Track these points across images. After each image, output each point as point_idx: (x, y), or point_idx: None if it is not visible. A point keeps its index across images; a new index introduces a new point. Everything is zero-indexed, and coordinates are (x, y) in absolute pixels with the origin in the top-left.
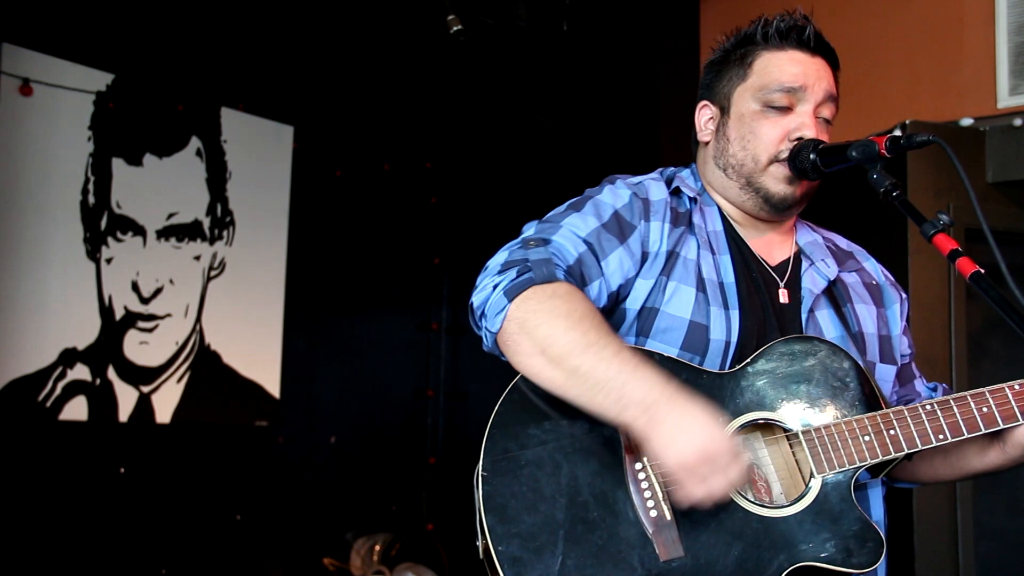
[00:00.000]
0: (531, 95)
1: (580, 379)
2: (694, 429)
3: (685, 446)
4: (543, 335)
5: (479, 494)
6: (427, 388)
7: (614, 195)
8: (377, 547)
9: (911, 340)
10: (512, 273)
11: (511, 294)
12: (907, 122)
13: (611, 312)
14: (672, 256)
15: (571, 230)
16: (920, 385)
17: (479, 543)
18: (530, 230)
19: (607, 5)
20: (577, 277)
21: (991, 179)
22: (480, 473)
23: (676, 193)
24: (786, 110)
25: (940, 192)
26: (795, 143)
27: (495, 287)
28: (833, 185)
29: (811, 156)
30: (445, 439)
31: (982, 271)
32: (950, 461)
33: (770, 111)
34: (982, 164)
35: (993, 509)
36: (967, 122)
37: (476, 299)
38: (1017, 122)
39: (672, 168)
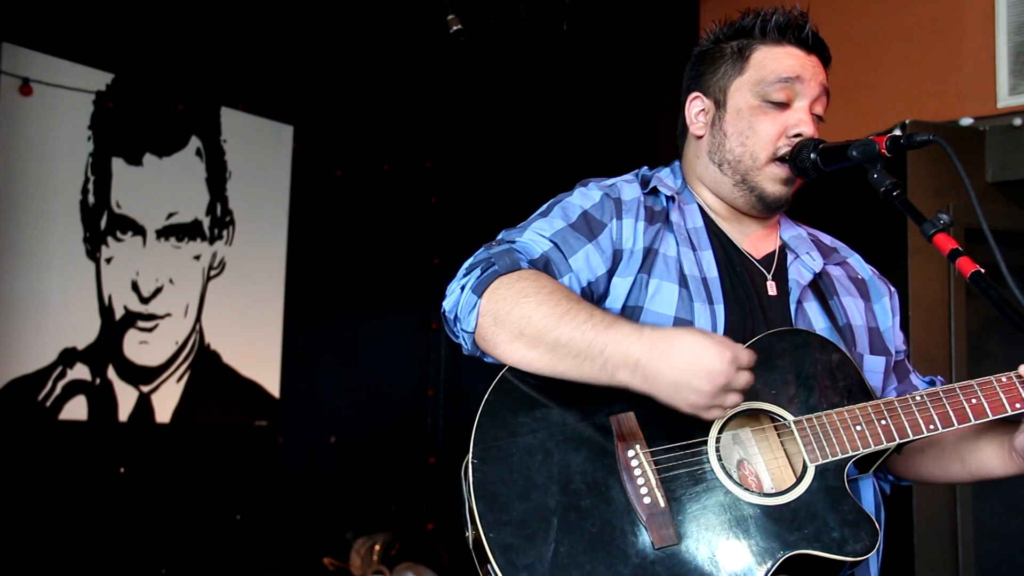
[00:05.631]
0: (531, 95)
1: (563, 352)
2: (690, 365)
3: (694, 385)
4: (517, 317)
5: (469, 483)
6: (427, 388)
7: (584, 197)
8: (377, 547)
9: (905, 336)
10: (477, 272)
11: (479, 289)
12: (907, 122)
13: None
14: (650, 253)
15: (536, 231)
16: (916, 379)
17: (468, 534)
18: (498, 237)
19: (607, 5)
20: (542, 268)
21: (991, 179)
22: (470, 461)
23: (653, 193)
24: (783, 106)
25: (940, 192)
26: (793, 140)
27: (463, 288)
28: (833, 185)
29: (811, 155)
30: (445, 439)
31: (982, 271)
32: (965, 460)
33: (768, 106)
34: (982, 164)
35: (993, 509)
36: (967, 122)
37: (447, 304)
38: (1017, 122)
39: (649, 169)
